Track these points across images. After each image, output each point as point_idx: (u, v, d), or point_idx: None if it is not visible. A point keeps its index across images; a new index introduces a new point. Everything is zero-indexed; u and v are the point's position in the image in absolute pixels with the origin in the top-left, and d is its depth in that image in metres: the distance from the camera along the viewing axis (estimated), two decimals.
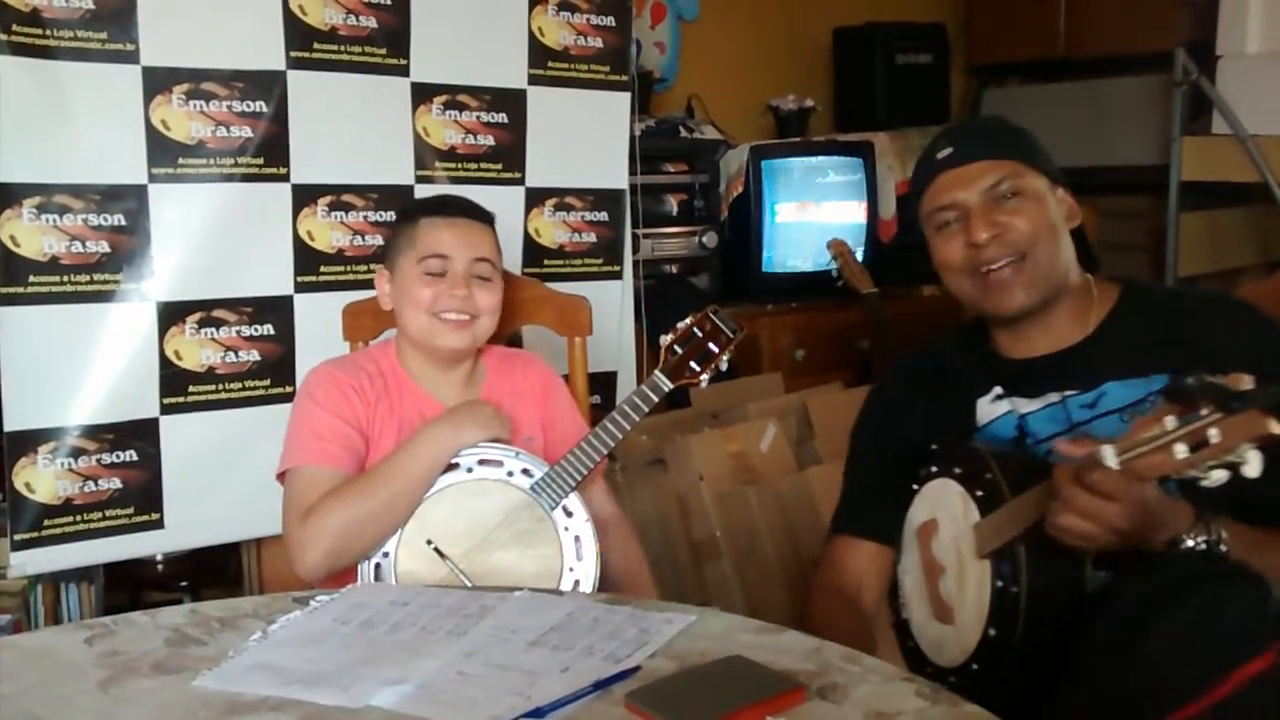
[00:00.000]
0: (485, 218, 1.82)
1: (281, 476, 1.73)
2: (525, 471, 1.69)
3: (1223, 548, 1.28)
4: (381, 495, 1.63)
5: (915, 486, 1.54)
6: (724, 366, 1.74)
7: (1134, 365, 1.46)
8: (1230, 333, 1.45)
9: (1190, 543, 1.28)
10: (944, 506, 1.48)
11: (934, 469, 1.51)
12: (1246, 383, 1.08)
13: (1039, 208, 1.50)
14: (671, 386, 1.73)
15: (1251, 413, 1.06)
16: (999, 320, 1.56)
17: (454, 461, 1.68)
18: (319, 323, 2.37)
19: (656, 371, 1.72)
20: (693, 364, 1.73)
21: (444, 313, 1.75)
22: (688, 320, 1.74)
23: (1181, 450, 1.10)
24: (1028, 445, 1.51)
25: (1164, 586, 1.20)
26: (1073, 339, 1.52)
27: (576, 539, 1.69)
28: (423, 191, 2.53)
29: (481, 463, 1.69)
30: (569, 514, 1.69)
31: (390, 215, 2.47)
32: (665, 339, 1.74)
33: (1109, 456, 1.18)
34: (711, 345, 1.73)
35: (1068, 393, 1.50)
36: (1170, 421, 1.11)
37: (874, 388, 1.79)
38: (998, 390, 1.56)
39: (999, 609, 1.37)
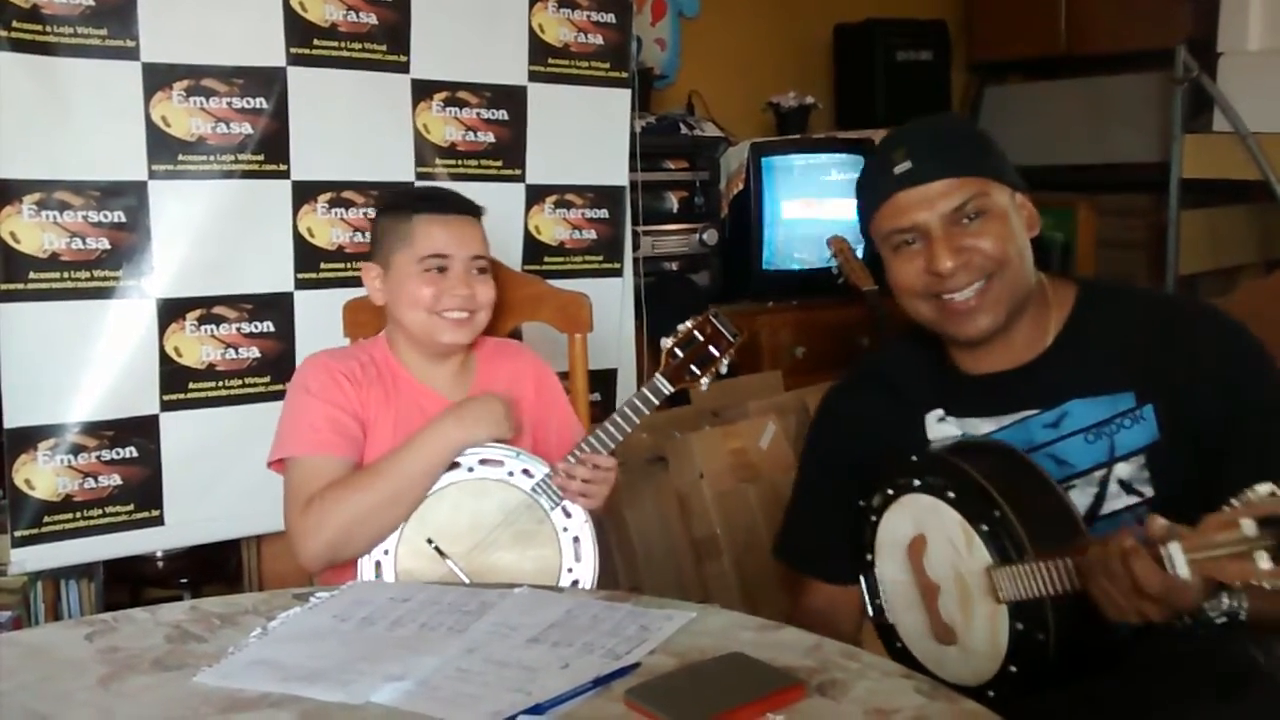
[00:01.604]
0: (477, 212, 1.83)
1: (274, 465, 1.74)
2: (525, 472, 1.69)
3: (1242, 616, 1.22)
4: (387, 489, 1.64)
5: (891, 492, 1.45)
6: (724, 370, 1.73)
7: (1096, 382, 1.40)
8: (1196, 344, 1.38)
9: (1212, 612, 1.21)
10: (934, 526, 1.40)
11: (916, 483, 1.42)
12: None
13: (1003, 227, 1.42)
14: (672, 390, 1.73)
15: None
16: (958, 342, 1.49)
17: (455, 460, 1.69)
18: (319, 319, 2.37)
19: (657, 374, 1.72)
20: (693, 367, 1.72)
21: (446, 311, 1.76)
22: (688, 323, 1.73)
23: (1265, 561, 1.00)
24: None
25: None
26: (1032, 352, 1.45)
27: (575, 540, 1.69)
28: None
29: (482, 462, 1.69)
30: (568, 515, 1.70)
31: None
32: (666, 342, 1.73)
33: (1179, 563, 1.08)
34: (712, 348, 1.72)
35: (1028, 412, 1.44)
36: (1250, 526, 1.01)
37: (827, 395, 1.70)
38: (940, 412, 1.50)
39: (1020, 650, 1.30)
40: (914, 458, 1.44)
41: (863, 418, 1.60)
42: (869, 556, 1.50)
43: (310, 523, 1.63)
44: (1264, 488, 1.03)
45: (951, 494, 1.37)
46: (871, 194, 1.49)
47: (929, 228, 1.42)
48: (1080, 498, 1.40)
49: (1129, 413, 1.38)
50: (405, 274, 1.76)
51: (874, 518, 1.48)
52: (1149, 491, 1.38)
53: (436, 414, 1.70)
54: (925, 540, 1.42)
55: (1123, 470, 1.38)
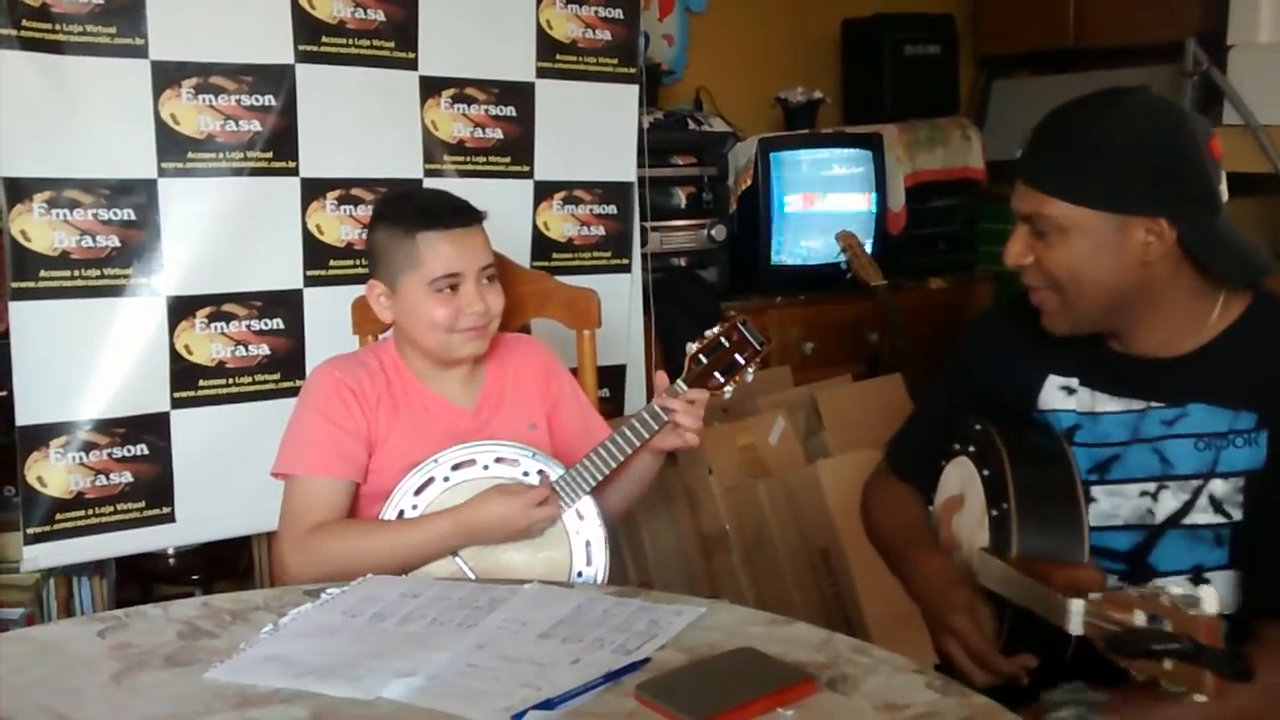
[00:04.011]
0: (480, 218, 1.77)
1: (277, 475, 1.74)
2: (541, 473, 1.69)
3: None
4: (389, 550, 1.64)
5: (957, 448, 1.51)
6: (750, 379, 1.72)
7: (1224, 393, 1.38)
8: None
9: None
10: (970, 492, 1.47)
11: (971, 449, 1.48)
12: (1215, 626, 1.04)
13: (1071, 252, 1.38)
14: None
15: (1204, 671, 1.02)
16: None
17: (470, 458, 1.69)
18: (328, 317, 2.38)
19: (679, 380, 1.70)
20: (717, 374, 1.70)
21: (463, 327, 1.74)
22: (715, 330, 1.71)
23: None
24: (1077, 444, 1.46)
25: None
26: (1178, 349, 1.42)
27: (587, 543, 1.69)
28: (432, 185, 2.52)
29: (498, 460, 1.69)
30: (581, 517, 1.69)
31: None
32: (691, 347, 1.70)
33: (1075, 620, 1.15)
34: (738, 356, 1.70)
35: (1153, 404, 1.42)
36: (1140, 618, 1.08)
37: (987, 309, 1.72)
38: (1070, 381, 1.49)
39: None
40: (976, 425, 1.48)
41: (997, 349, 1.59)
42: (932, 495, 1.58)
43: (304, 557, 1.65)
44: (1184, 590, 1.06)
45: (986, 472, 1.43)
46: None
47: (1017, 219, 1.44)
48: (1171, 501, 1.40)
49: (1245, 433, 1.36)
50: (416, 296, 1.72)
51: (943, 463, 1.55)
52: (1236, 515, 1.36)
53: (465, 509, 1.65)
54: (963, 501, 1.48)
55: (1218, 487, 1.37)
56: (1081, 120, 1.40)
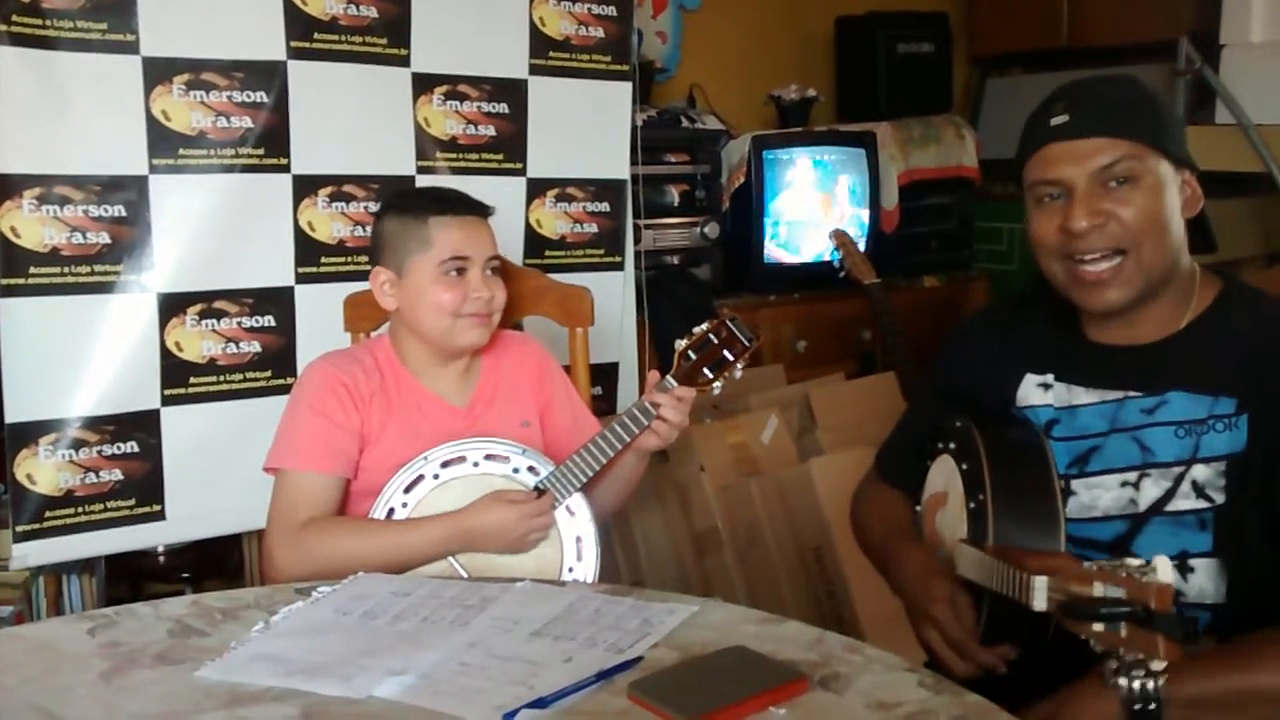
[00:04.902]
0: (488, 212, 1.82)
1: (268, 469, 1.74)
2: (531, 469, 1.69)
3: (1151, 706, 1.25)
4: (379, 551, 1.63)
5: (940, 446, 1.51)
6: (738, 375, 1.72)
7: (1204, 380, 1.38)
8: None
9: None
10: (952, 489, 1.48)
11: (952, 446, 1.48)
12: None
13: (1152, 198, 1.36)
14: None
15: (1156, 636, 1.03)
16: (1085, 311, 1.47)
17: (460, 455, 1.68)
18: (320, 314, 2.37)
19: (668, 376, 1.71)
20: (706, 370, 1.71)
21: (468, 314, 1.75)
22: (703, 326, 1.71)
23: (1098, 625, 1.09)
24: (1055, 438, 1.46)
25: None
26: (1156, 336, 1.43)
27: (578, 539, 1.69)
28: (424, 183, 2.52)
29: (488, 458, 1.69)
30: (571, 513, 1.69)
31: None
32: (680, 344, 1.71)
33: (1040, 596, 1.15)
34: (726, 353, 1.71)
35: (1131, 393, 1.42)
36: (1099, 590, 1.09)
37: (966, 317, 1.71)
38: (1047, 378, 1.50)
39: None
40: (957, 423, 1.48)
41: (974, 352, 1.60)
42: (920, 497, 1.58)
43: (295, 553, 1.64)
44: (1141, 562, 1.07)
45: (964, 466, 1.43)
46: (1025, 143, 1.46)
47: (1073, 184, 1.39)
48: (1153, 489, 1.40)
49: (1225, 418, 1.36)
50: (424, 279, 1.74)
51: (928, 462, 1.55)
52: (1219, 499, 1.36)
53: (461, 515, 1.65)
54: (946, 497, 1.49)
55: (1200, 472, 1.37)
56: (1111, 80, 1.43)
